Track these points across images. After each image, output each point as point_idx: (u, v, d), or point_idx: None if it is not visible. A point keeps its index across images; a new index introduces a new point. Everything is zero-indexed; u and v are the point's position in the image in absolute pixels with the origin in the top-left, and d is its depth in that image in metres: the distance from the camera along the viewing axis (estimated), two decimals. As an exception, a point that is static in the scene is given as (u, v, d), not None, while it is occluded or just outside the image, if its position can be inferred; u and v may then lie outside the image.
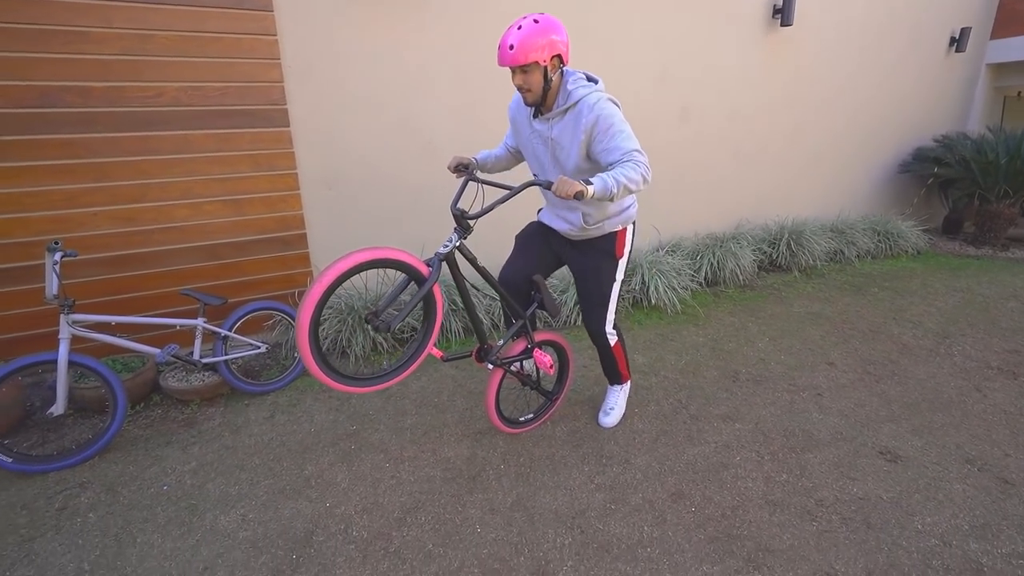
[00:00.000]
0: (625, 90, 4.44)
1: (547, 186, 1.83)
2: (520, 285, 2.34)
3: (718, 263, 4.71)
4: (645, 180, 1.83)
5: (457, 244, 1.94)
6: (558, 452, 2.44)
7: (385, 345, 3.42)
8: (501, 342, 2.32)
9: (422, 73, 3.69)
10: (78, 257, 2.68)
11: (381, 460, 2.41)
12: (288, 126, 3.38)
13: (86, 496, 2.18)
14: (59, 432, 2.61)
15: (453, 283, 2.15)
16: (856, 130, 6.12)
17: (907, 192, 6.84)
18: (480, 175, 2.19)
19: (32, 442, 2.54)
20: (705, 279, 4.68)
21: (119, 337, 2.55)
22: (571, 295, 3.88)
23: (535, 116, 2.06)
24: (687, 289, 4.32)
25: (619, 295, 2.34)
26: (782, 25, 5.05)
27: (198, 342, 2.81)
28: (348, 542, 1.94)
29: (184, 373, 2.95)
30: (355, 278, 3.56)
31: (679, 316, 4.07)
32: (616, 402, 2.68)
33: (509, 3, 3.83)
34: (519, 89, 1.94)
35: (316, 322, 1.66)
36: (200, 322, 2.80)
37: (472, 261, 2.08)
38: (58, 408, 2.36)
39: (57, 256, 2.31)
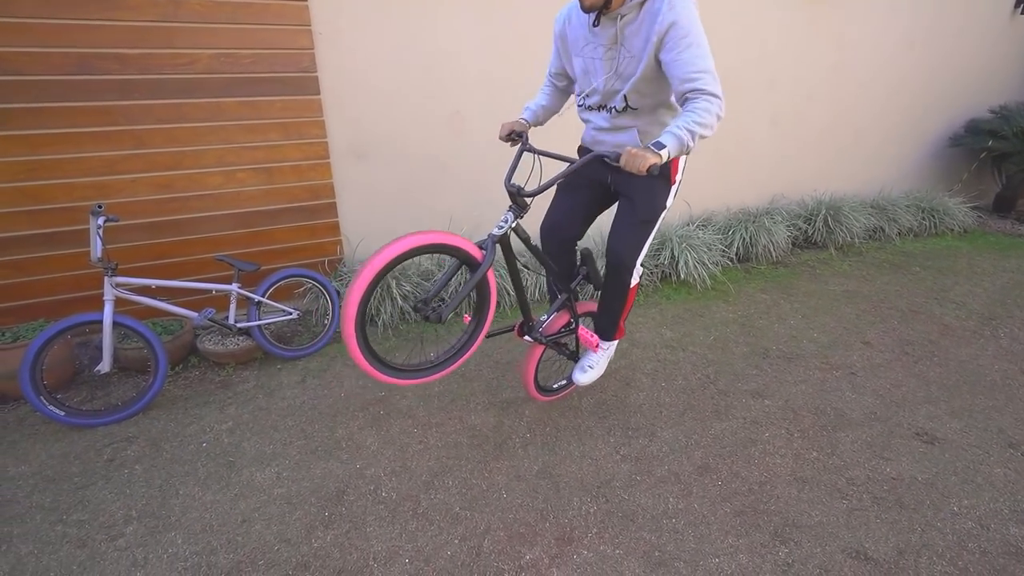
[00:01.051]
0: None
1: (615, 160, 1.63)
2: (564, 237, 2.15)
3: (750, 239, 4.58)
4: (719, 118, 1.62)
5: (513, 224, 1.81)
6: (584, 423, 2.45)
7: (412, 315, 3.46)
8: (545, 317, 2.23)
9: (450, 42, 3.61)
10: (119, 222, 2.78)
11: (409, 425, 2.46)
12: (319, 94, 3.36)
13: (132, 449, 2.29)
14: (106, 389, 2.74)
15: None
16: (904, 101, 5.78)
17: (956, 167, 6.47)
18: (534, 146, 2.02)
19: (82, 398, 2.68)
20: (737, 255, 4.57)
21: (159, 300, 2.64)
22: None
23: (597, 23, 1.75)
24: (717, 265, 4.22)
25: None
26: (830, -14, 4.76)
27: (233, 307, 2.89)
28: (378, 502, 2.00)
29: (220, 337, 3.04)
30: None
31: (709, 292, 3.99)
32: (596, 361, 2.33)
33: (541, -36, 3.70)
34: None
35: (363, 312, 1.57)
36: (235, 287, 2.87)
37: (526, 241, 1.95)
38: (104, 366, 2.47)
39: (100, 220, 2.38)
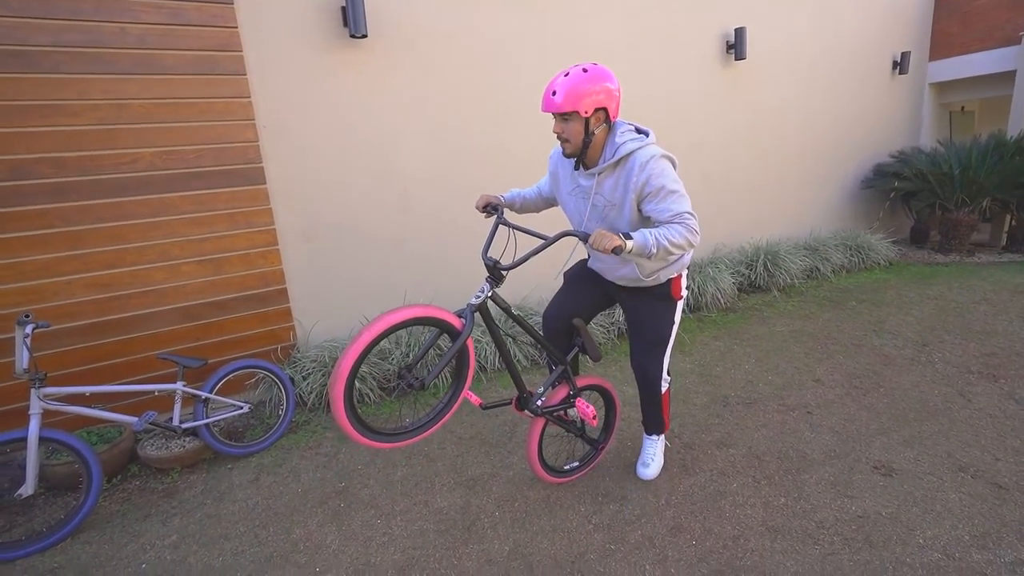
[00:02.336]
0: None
1: (583, 239, 1.76)
2: (564, 324, 2.25)
3: (699, 288, 4.78)
4: (691, 244, 1.78)
5: (489, 294, 1.87)
6: (553, 493, 2.39)
7: (372, 396, 3.36)
8: (541, 389, 2.21)
9: (394, 124, 3.79)
10: (51, 327, 2.65)
11: (372, 516, 2.33)
12: (265, 183, 3.41)
13: (59, 582, 2.06)
14: (28, 514, 2.48)
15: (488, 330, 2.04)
16: (817, 151, 6.39)
17: (872, 206, 7.09)
18: (509, 218, 2.10)
19: (0, 526, 2.41)
20: (688, 305, 4.74)
21: (94, 408, 2.48)
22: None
23: (577, 168, 1.96)
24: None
25: (675, 338, 2.21)
26: (736, 59, 5.34)
27: (178, 407, 2.74)
28: (340, 608, 1.85)
29: (163, 440, 2.85)
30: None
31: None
32: (656, 453, 2.47)
33: (476, 50, 4.00)
34: (558, 137, 1.87)
35: (351, 386, 1.63)
36: (179, 386, 2.74)
37: (506, 310, 2.00)
38: (27, 488, 2.26)
39: (28, 328, 2.26)
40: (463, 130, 4.05)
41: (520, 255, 1.88)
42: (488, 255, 1.90)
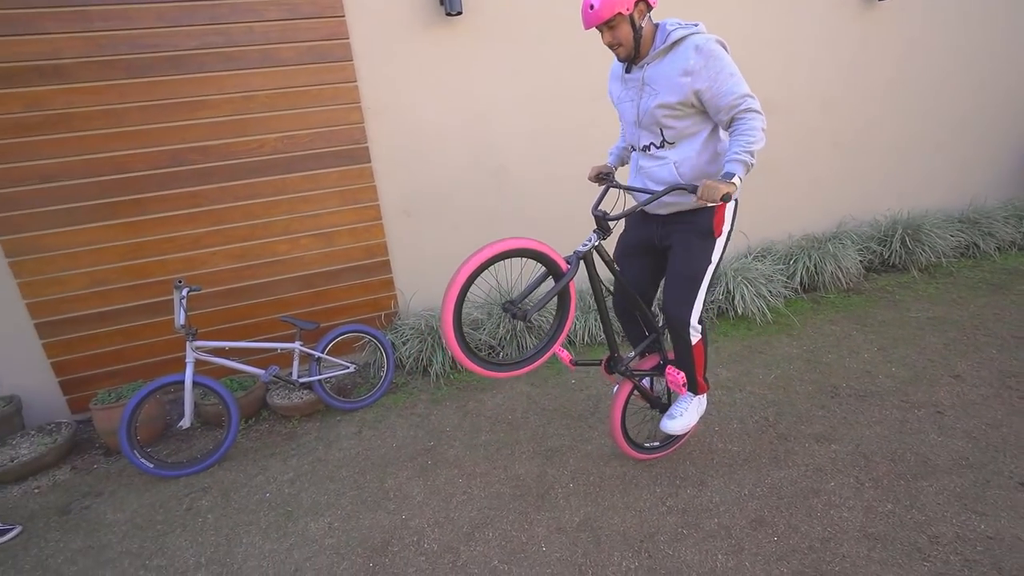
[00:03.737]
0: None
1: (692, 190, 1.77)
2: (634, 312, 2.26)
3: (815, 267, 4.31)
4: (763, 130, 1.76)
5: (596, 244, 1.94)
6: (629, 472, 2.37)
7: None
8: (632, 354, 2.22)
9: (489, 101, 3.84)
10: (202, 291, 3.15)
11: (455, 475, 2.50)
12: (369, 162, 3.68)
13: (207, 499, 2.51)
14: (189, 442, 3.03)
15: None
16: (988, 102, 5.30)
17: (1062, 169, 5.76)
18: (620, 182, 2.15)
19: (169, 450, 2.98)
20: (801, 284, 4.30)
21: (232, 360, 2.92)
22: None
23: (629, 71, 1.97)
24: (779, 296, 3.99)
25: (711, 282, 2.07)
26: (879, 0, 4.57)
27: (296, 363, 3.13)
28: (419, 554, 2.04)
29: (287, 392, 3.29)
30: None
31: (770, 326, 3.78)
32: (686, 408, 2.22)
33: (567, 31, 3.88)
34: (610, 48, 1.87)
35: (460, 308, 1.77)
36: (297, 345, 3.12)
37: (609, 264, 2.09)
38: (186, 422, 2.76)
39: (184, 291, 2.71)
40: (557, 105, 3.98)
41: (627, 208, 1.98)
42: (598, 208, 1.99)
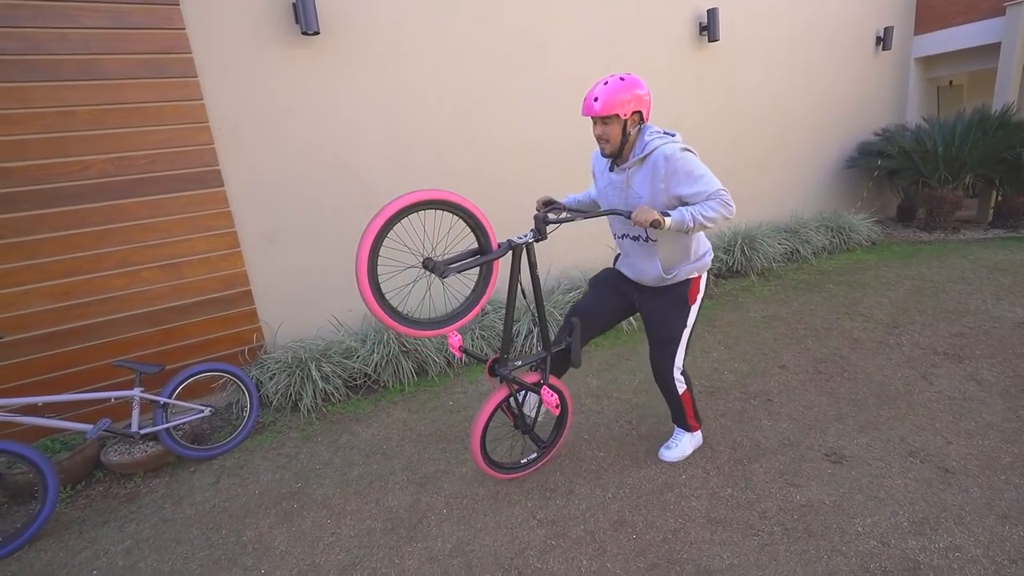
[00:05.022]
0: (567, 113, 4.57)
1: (627, 215, 1.99)
2: (590, 327, 2.41)
3: (673, 275, 4.75)
4: (725, 217, 1.94)
5: (529, 240, 2.08)
6: (503, 489, 2.40)
7: (338, 395, 3.38)
8: (519, 362, 2.27)
9: (351, 120, 3.75)
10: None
11: (323, 516, 2.35)
12: (222, 186, 3.40)
13: (12, 590, 2.10)
14: (-9, 523, 2.52)
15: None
16: (798, 132, 6.30)
17: (857, 186, 7.01)
18: (564, 215, 2.26)
19: (-38, 537, 2.45)
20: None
21: (47, 417, 2.50)
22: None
23: (611, 169, 2.17)
24: (642, 305, 4.34)
25: (689, 339, 2.31)
26: (710, 41, 5.25)
27: (135, 413, 2.75)
28: (279, 611, 1.88)
29: (127, 446, 2.88)
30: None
31: (636, 333, 4.09)
32: (680, 442, 2.50)
33: (432, 44, 3.95)
34: (598, 140, 2.07)
35: (375, 257, 1.83)
36: (137, 392, 2.75)
37: (532, 266, 2.18)
38: (-16, 499, 2.29)
39: (-25, 342, 2.27)
40: (422, 124, 4.01)
41: (566, 217, 2.16)
42: (539, 214, 2.15)
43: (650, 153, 2.01)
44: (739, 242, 5.36)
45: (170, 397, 2.85)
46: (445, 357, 3.69)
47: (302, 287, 3.74)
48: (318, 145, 3.67)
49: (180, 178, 3.26)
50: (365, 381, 3.53)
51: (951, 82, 8.00)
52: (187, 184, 3.28)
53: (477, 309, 2.12)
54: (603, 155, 2.13)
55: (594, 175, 2.35)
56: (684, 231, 1.95)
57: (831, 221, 6.15)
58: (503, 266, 2.16)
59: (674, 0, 5.05)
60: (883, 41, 6.70)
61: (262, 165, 3.51)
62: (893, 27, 6.69)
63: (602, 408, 3.05)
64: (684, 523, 2.11)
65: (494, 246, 2.06)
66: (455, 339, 2.18)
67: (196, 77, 3.23)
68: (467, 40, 4.08)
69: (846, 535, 1.98)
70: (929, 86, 7.51)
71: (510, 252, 2.06)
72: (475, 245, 2.09)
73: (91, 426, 2.58)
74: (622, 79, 1.98)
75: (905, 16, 6.96)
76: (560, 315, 4.06)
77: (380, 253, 1.89)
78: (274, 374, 3.37)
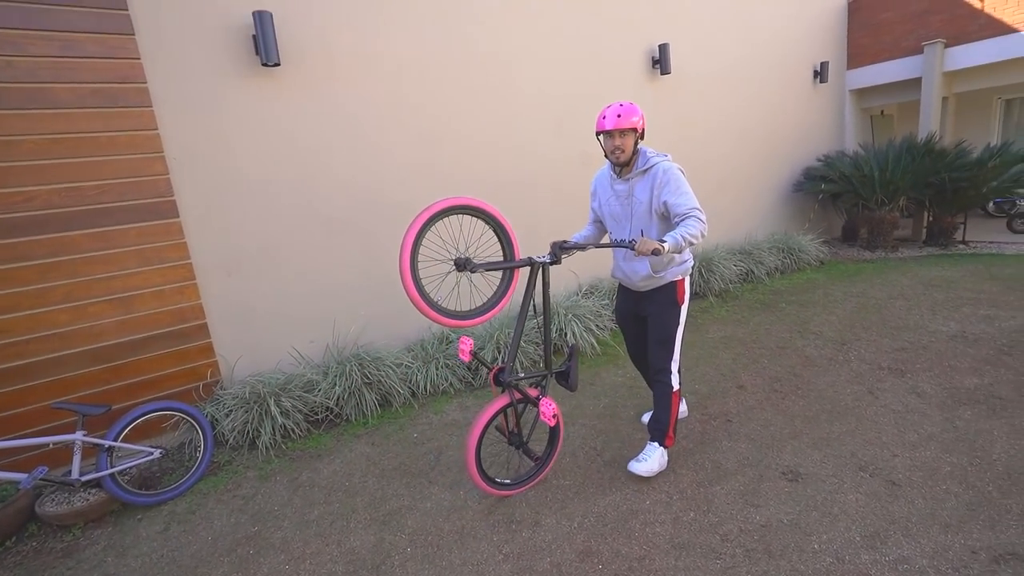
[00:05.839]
0: (528, 142, 4.67)
1: (630, 245, 2.22)
2: (640, 358, 2.85)
3: (634, 298, 4.86)
4: (702, 234, 2.26)
5: (547, 261, 2.38)
6: (468, 524, 2.37)
7: (298, 430, 3.27)
8: (523, 375, 2.49)
9: (312, 151, 3.73)
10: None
11: (281, 561, 2.26)
12: (177, 217, 3.30)
13: (-70, 663, 1.91)
14: (-92, 588, 2.30)
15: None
16: (748, 159, 6.64)
17: (804, 208, 7.41)
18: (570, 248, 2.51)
19: None
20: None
21: (-23, 468, 2.33)
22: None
23: (618, 179, 2.51)
24: (605, 329, 4.42)
25: (682, 340, 2.58)
26: (662, 74, 5.51)
27: (76, 458, 2.60)
28: (233, 667, 1.78)
29: (66, 495, 2.70)
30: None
31: (599, 358, 4.14)
32: (652, 455, 2.57)
33: (394, 73, 4.00)
34: (615, 150, 2.39)
35: (416, 253, 2.11)
36: (78, 436, 2.60)
37: (545, 285, 2.45)
38: (-101, 562, 2.10)
39: None
40: (386, 153, 4.03)
41: (579, 243, 2.46)
42: (556, 241, 2.43)
43: (652, 167, 2.40)
44: (697, 264, 5.54)
45: (116, 439, 2.70)
46: (409, 388, 3.64)
47: (262, 319, 3.64)
48: (278, 176, 3.63)
49: (132, 209, 3.15)
50: (327, 415, 3.44)
51: (883, 111, 8.63)
52: (140, 215, 3.18)
53: (500, 306, 2.41)
54: (616, 164, 2.46)
55: (595, 194, 2.69)
56: (679, 251, 2.24)
57: (782, 242, 6.45)
58: (521, 277, 2.46)
59: (628, 35, 5.30)
60: (820, 74, 7.19)
61: (220, 195, 3.44)
62: (828, 62, 7.20)
63: (567, 435, 3.06)
64: (649, 550, 2.12)
65: (517, 255, 2.43)
66: (466, 343, 2.41)
67: (151, 107, 3.17)
68: (431, 69, 4.15)
69: (804, 553, 2.04)
70: (863, 115, 8.07)
71: (529, 268, 2.38)
72: (500, 257, 2.42)
73: (25, 475, 2.41)
74: (629, 104, 2.36)
75: (838, 52, 7.50)
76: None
77: (421, 250, 2.20)
78: (231, 410, 3.25)
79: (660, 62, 5.44)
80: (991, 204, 8.14)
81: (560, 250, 2.41)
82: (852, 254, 6.98)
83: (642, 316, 2.67)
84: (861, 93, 7.78)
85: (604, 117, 2.34)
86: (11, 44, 2.78)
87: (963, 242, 6.89)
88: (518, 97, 4.63)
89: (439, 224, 2.27)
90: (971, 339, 3.87)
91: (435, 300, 2.19)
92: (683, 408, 3.05)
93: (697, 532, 2.20)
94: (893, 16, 7.03)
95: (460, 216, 2.36)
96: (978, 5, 6.35)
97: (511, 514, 2.40)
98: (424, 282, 2.21)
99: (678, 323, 2.57)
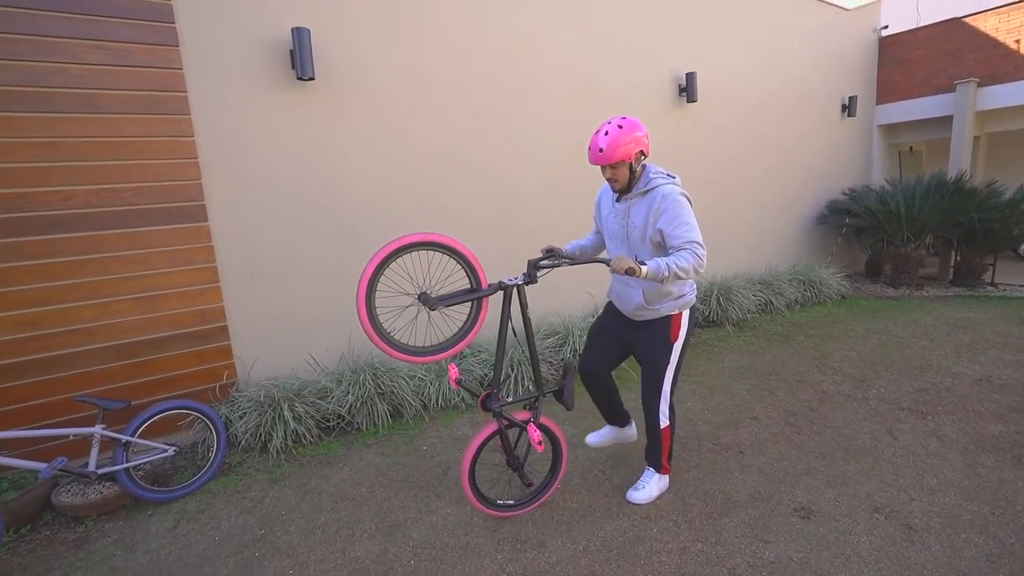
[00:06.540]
0: (545, 166, 4.73)
1: (606, 262, 2.13)
2: (600, 375, 2.58)
3: (650, 323, 4.84)
4: (696, 270, 2.07)
5: (520, 283, 2.24)
6: (473, 540, 2.35)
7: (310, 436, 3.30)
8: (511, 398, 2.38)
9: (340, 164, 3.84)
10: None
11: (286, 566, 2.27)
12: (206, 220, 3.41)
13: (-60, 644, 1.95)
14: (-75, 568, 2.36)
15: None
16: (771, 189, 6.61)
17: (827, 241, 7.32)
18: (562, 260, 2.37)
19: None
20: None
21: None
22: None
23: (618, 200, 2.34)
24: (619, 351, 4.39)
25: (675, 376, 2.45)
26: (688, 102, 5.56)
27: (94, 451, 2.66)
28: (231, 670, 1.78)
29: (81, 486, 2.76)
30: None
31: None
32: (649, 482, 2.59)
33: (424, 92, 4.10)
34: (609, 181, 2.25)
35: (373, 285, 2.03)
36: (97, 429, 2.66)
37: (523, 307, 2.32)
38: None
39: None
40: (411, 169, 4.12)
41: (556, 263, 2.30)
42: (532, 260, 2.26)
43: (652, 189, 2.20)
44: (715, 292, 5.51)
45: (133, 435, 2.76)
46: (421, 400, 3.66)
47: (280, 324, 3.71)
48: (306, 186, 3.73)
49: (164, 211, 3.27)
50: (338, 422, 3.47)
51: (911, 148, 8.54)
52: (171, 217, 3.29)
53: (465, 342, 2.28)
54: (614, 191, 2.32)
55: (598, 207, 2.52)
56: (659, 280, 2.05)
57: (803, 275, 6.37)
58: (494, 305, 2.32)
59: (656, 62, 5.37)
60: (848, 108, 7.17)
61: (248, 202, 3.55)
62: (857, 96, 7.17)
63: (576, 456, 3.03)
64: (654, 579, 2.08)
65: (483, 285, 2.23)
66: (453, 371, 2.33)
67: (189, 115, 3.30)
68: (456, 88, 4.25)
69: (814, 594, 1.98)
70: (891, 151, 7.99)
71: (501, 293, 2.23)
72: (468, 286, 2.26)
73: (45, 465, 2.47)
74: (620, 126, 2.12)
75: (867, 87, 7.48)
76: (550, 357, 4.17)
77: (383, 287, 2.11)
78: (245, 413, 3.30)
79: (687, 90, 5.49)
80: (1022, 247, 7.95)
81: (535, 269, 2.24)
82: (875, 290, 6.85)
83: (629, 344, 2.52)
84: (890, 129, 7.72)
85: (590, 148, 2.16)
86: (66, 52, 2.94)
87: (992, 284, 6.72)
88: (542, 120, 4.70)
89: (409, 258, 2.16)
90: (997, 384, 3.76)
91: (390, 335, 2.10)
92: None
93: (704, 564, 2.15)
94: (925, 53, 7.00)
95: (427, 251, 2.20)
96: (1014, 46, 6.30)
97: (516, 533, 2.38)
98: (393, 315, 2.14)
99: (668, 361, 2.39)
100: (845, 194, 7.23)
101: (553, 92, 4.74)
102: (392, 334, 2.13)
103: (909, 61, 7.18)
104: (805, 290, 6.24)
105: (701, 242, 2.10)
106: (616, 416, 2.80)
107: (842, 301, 6.38)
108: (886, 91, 7.47)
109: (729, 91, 5.97)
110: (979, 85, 6.55)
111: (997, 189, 6.38)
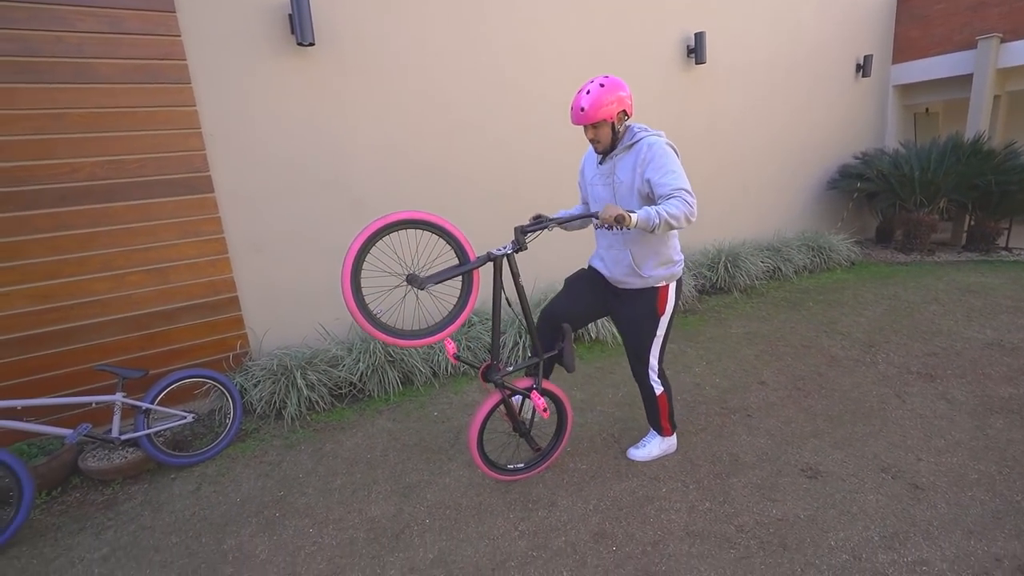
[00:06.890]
0: (554, 131, 4.64)
1: (594, 215, 2.08)
2: (559, 323, 2.43)
3: (658, 290, 4.83)
4: (688, 219, 1.99)
5: (508, 252, 2.16)
6: (486, 500, 2.42)
7: (323, 403, 3.37)
8: (511, 368, 2.35)
9: (344, 132, 3.79)
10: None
11: (305, 525, 2.35)
12: (212, 192, 3.40)
13: (-18, 598, 2.06)
14: (-38, 529, 2.46)
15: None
16: (781, 153, 6.47)
17: (838, 207, 7.20)
18: (550, 224, 2.28)
19: (-69, 543, 2.39)
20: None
21: (27, 421, 2.47)
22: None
23: (601, 162, 2.28)
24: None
25: (663, 346, 2.43)
26: (697, 63, 5.40)
27: (116, 418, 2.73)
28: (258, 621, 1.87)
29: (106, 451, 2.84)
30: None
31: (620, 347, 4.13)
32: (650, 443, 2.67)
33: (425, 60, 4.01)
34: (591, 142, 2.21)
35: (358, 271, 1.95)
36: (118, 397, 2.73)
37: (515, 276, 2.25)
38: (-44, 504, 2.25)
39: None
40: (414, 137, 4.06)
41: (544, 223, 2.21)
42: (520, 226, 2.18)
43: (637, 141, 2.14)
44: (723, 259, 5.46)
45: (152, 403, 2.83)
46: (431, 367, 3.71)
47: (289, 295, 3.74)
48: (309, 154, 3.69)
49: (170, 183, 3.26)
50: (350, 390, 3.53)
51: (927, 109, 8.30)
52: (177, 189, 3.28)
53: (461, 320, 2.20)
54: (596, 153, 2.26)
55: (582, 173, 2.45)
56: (650, 229, 1.98)
57: (812, 241, 6.30)
58: (485, 278, 2.25)
59: (664, 23, 5.20)
60: (863, 68, 6.94)
61: (253, 172, 3.52)
62: (872, 55, 6.94)
63: (585, 420, 3.08)
64: (663, 536, 2.14)
65: (471, 258, 2.16)
66: (451, 346, 2.24)
67: (190, 83, 3.25)
68: (459, 56, 4.15)
69: (820, 549, 2.03)
70: (906, 113, 7.77)
71: (491, 264, 2.16)
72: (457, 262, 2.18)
73: (71, 431, 2.55)
74: (602, 85, 2.07)
75: (884, 45, 7.22)
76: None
77: (369, 268, 2.00)
78: (259, 381, 3.36)
79: (695, 51, 5.33)
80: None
81: (522, 235, 2.15)
82: (886, 256, 6.77)
83: (609, 306, 2.45)
84: (906, 89, 7.48)
85: (572, 108, 2.11)
86: (61, 19, 2.88)
87: (1006, 248, 6.62)
88: (545, 87, 4.59)
89: (394, 237, 2.09)
90: (1008, 348, 3.75)
91: (385, 320, 2.05)
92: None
93: (712, 521, 2.21)
94: (946, 8, 6.72)
95: (416, 230, 2.11)
96: (1038, -3, 6.03)
97: (528, 493, 2.44)
98: (381, 296, 2.09)
99: (654, 335, 2.36)
100: (857, 158, 7.07)
101: (557, 57, 4.61)
102: (380, 316, 2.05)
103: (929, 16, 6.91)
104: (814, 256, 6.18)
105: (690, 190, 2.01)
106: (547, 348, 2.50)
107: (852, 267, 6.33)
108: (903, 49, 7.21)
109: (739, 52, 5.78)
110: (1002, 40, 6.29)
111: (1016, 150, 6.22)
